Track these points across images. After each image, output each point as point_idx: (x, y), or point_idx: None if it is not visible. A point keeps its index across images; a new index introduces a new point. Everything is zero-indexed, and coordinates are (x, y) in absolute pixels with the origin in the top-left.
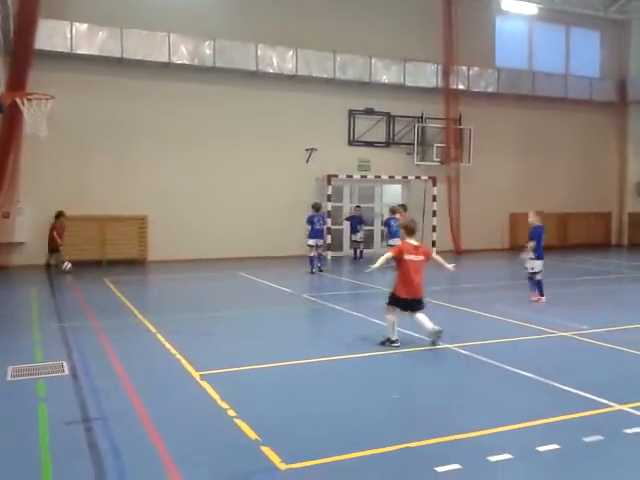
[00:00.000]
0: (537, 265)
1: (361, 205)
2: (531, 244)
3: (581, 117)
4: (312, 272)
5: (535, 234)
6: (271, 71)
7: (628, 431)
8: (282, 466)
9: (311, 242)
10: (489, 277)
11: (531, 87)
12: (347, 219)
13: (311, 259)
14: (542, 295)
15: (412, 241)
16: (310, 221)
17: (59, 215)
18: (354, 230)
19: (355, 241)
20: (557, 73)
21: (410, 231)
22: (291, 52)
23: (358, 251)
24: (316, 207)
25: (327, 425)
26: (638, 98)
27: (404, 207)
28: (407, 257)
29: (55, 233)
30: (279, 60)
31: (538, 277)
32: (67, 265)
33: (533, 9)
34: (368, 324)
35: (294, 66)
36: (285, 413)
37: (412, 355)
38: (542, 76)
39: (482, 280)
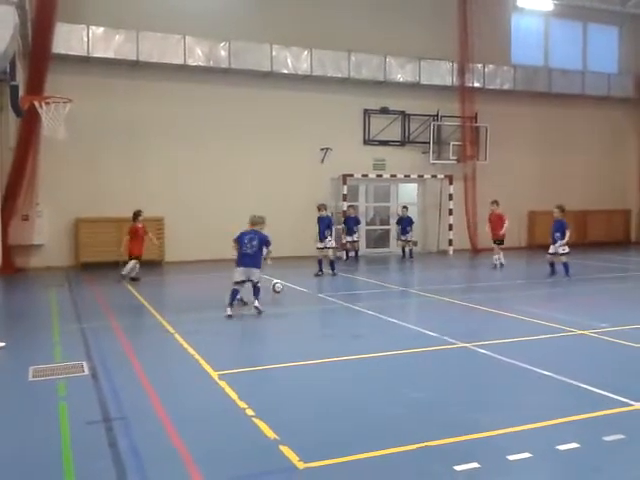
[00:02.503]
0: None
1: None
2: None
3: (599, 114)
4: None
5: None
6: (286, 71)
7: None
8: (300, 465)
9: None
10: (506, 276)
11: (548, 84)
12: (397, 222)
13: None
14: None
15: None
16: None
17: (137, 215)
18: (404, 231)
19: (405, 240)
20: (574, 70)
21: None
22: (306, 52)
23: (407, 250)
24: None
25: (345, 424)
26: None
27: (496, 203)
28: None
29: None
30: (294, 60)
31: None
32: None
33: (549, 5)
34: (384, 323)
35: (309, 66)
36: (303, 412)
37: (430, 354)
38: (559, 73)
39: (499, 279)
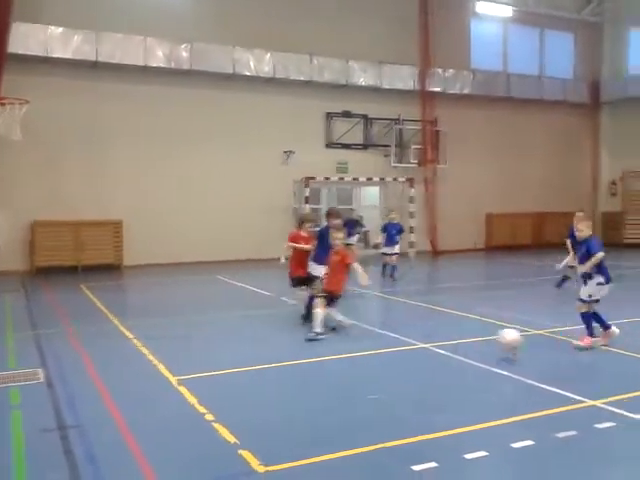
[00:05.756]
0: None
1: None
2: None
3: (555, 118)
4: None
5: None
6: (248, 74)
7: (599, 426)
8: (261, 469)
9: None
10: (465, 277)
11: (506, 89)
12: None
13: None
14: None
15: None
16: None
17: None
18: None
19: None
20: (531, 75)
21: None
22: (268, 55)
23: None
24: None
25: (305, 427)
26: (610, 99)
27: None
28: None
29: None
30: (256, 63)
31: None
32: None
33: (507, 11)
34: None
35: (271, 69)
36: (263, 416)
37: (388, 355)
38: (517, 78)
39: (458, 280)
